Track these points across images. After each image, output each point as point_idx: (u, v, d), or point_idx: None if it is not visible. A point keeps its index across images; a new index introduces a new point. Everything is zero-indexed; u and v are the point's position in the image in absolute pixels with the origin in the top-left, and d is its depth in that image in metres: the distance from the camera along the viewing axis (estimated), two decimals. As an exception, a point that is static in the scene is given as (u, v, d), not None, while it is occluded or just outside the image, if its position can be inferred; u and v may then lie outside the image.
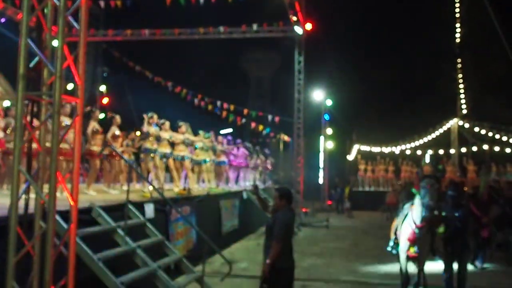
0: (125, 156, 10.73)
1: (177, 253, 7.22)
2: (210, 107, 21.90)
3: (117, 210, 6.93)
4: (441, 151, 29.92)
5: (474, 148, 30.54)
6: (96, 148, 10.17)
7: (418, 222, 6.90)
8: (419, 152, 29.52)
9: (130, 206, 6.98)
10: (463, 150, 30.78)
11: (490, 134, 29.49)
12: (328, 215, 20.63)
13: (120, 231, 6.40)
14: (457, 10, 33.41)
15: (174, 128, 11.40)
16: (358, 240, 14.52)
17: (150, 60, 22.57)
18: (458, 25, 33.54)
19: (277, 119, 22.33)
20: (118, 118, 11.07)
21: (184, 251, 8.61)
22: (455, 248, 7.25)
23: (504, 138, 29.07)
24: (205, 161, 13.39)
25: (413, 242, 6.99)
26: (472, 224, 9.62)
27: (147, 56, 22.39)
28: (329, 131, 27.71)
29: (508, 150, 29.05)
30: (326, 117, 27.28)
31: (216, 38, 20.49)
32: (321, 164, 27.79)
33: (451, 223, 7.26)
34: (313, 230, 16.83)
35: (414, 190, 7.37)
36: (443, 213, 7.28)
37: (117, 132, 11.02)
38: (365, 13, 34.19)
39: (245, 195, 14.48)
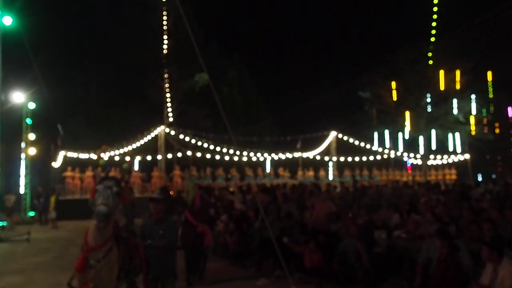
0: None
1: None
2: None
3: None
4: (149, 157, 31.12)
5: (179, 154, 32.79)
6: None
7: (90, 242, 5.20)
8: (127, 158, 29.99)
9: None
10: (169, 156, 32.73)
11: (193, 141, 32.21)
12: (30, 227, 19.18)
13: None
14: (165, 22, 35.54)
15: None
16: (63, 252, 13.93)
17: None
18: (165, 36, 35.67)
19: (-33, 122, 19.52)
20: None
21: None
22: (157, 274, 6.14)
23: (205, 145, 32.19)
24: None
25: (83, 273, 5.22)
26: (192, 237, 9.16)
27: None
28: (32, 136, 25.66)
29: (208, 155, 32.19)
30: (29, 121, 25.23)
31: None
32: (22, 172, 25.52)
33: (154, 244, 6.04)
34: (12, 246, 15.44)
35: (91, 202, 5.64)
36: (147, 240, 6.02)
37: None
38: (75, 17, 33.20)
39: None
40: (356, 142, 37.09)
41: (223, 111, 6.27)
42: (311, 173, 33.56)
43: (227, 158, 32.63)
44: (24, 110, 24.93)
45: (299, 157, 34.90)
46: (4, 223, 18.73)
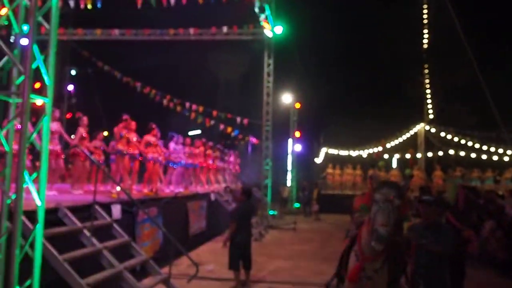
0: (94, 157, 10.68)
1: (144, 255, 7.21)
2: (178, 108, 21.83)
3: (83, 211, 6.87)
4: (407, 156, 30.48)
5: (440, 153, 31.22)
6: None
7: (366, 253, 4.78)
8: (386, 156, 30.01)
9: (97, 207, 6.94)
10: (429, 154, 31.45)
11: (456, 139, 30.23)
12: (295, 217, 20.75)
13: (86, 232, 6.37)
14: (425, 15, 34.22)
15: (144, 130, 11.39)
16: (325, 243, 14.59)
17: (119, 60, 22.31)
18: (425, 30, 34.34)
19: (246, 121, 22.44)
20: (85, 119, 10.98)
21: (150, 253, 8.60)
22: None
23: (470, 144, 29.87)
24: (178, 164, 13.35)
25: (356, 281, 4.83)
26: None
27: (116, 57, 22.12)
28: (297, 134, 27.93)
29: (473, 155, 29.82)
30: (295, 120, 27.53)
31: (185, 39, 20.40)
32: (289, 167, 27.98)
33: (420, 251, 5.18)
34: (281, 233, 16.91)
35: (364, 206, 5.31)
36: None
37: (84, 134, 10.95)
38: (334, 18, 34.56)
39: (213, 197, 14.49)
40: None
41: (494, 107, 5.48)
42: None
43: (495, 158, 29.63)
44: (291, 109, 27.24)
45: None
46: (275, 212, 20.86)
